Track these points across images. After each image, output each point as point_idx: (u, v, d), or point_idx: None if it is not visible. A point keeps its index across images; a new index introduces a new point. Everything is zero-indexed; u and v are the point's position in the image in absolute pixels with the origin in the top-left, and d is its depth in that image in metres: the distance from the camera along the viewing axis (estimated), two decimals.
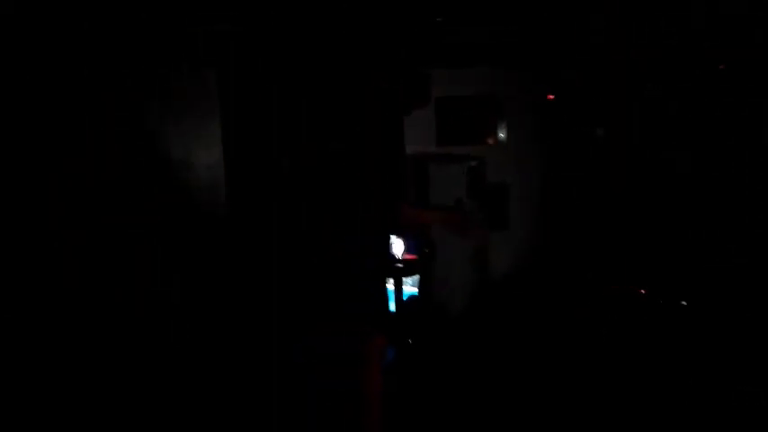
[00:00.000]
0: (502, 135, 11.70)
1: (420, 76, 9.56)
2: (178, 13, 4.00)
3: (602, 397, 6.11)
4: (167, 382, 4.09)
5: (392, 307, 7.18)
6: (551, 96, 11.97)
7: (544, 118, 11.73)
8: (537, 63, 11.18)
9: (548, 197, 11.92)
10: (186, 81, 4.00)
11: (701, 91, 11.21)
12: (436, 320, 8.00)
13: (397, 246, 7.44)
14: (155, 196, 3.94)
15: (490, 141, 11.74)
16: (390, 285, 7.19)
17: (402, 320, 6.98)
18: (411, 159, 9.97)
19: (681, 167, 12.09)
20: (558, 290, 10.68)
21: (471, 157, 10.50)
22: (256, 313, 4.52)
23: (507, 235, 11.67)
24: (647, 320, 8.24)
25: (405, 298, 7.54)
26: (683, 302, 9.13)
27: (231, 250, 4.45)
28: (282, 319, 4.73)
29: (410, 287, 7.93)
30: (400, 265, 7.33)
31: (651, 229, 12.09)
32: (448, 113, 11.33)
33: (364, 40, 6.70)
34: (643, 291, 10.78)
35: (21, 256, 3.57)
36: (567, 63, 11.50)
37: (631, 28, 9.83)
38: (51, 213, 3.60)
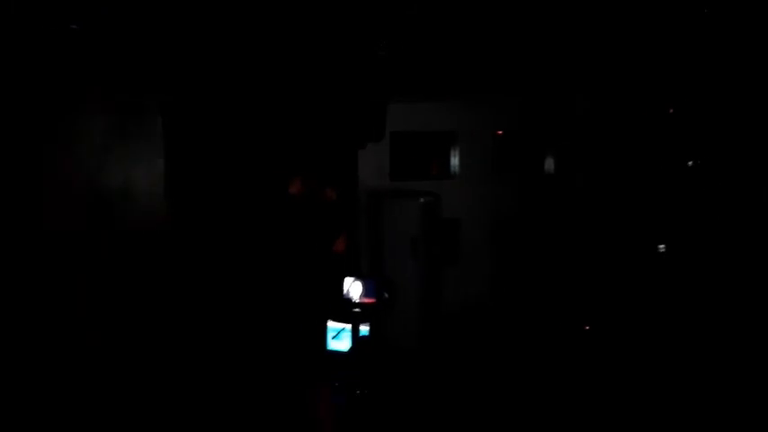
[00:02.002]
0: (455, 170, 11.74)
1: (375, 111, 9.51)
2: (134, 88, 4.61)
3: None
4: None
5: (348, 349, 6.89)
6: (500, 132, 12.16)
7: (497, 153, 11.86)
8: (494, 97, 11.34)
9: (500, 232, 12.00)
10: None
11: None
12: (389, 363, 7.76)
13: (355, 289, 7.11)
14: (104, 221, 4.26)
15: (444, 176, 11.77)
16: (346, 328, 6.90)
17: (355, 365, 6.68)
18: (365, 194, 9.83)
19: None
20: (512, 325, 10.70)
21: (425, 192, 10.44)
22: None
23: (460, 270, 11.64)
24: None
25: (359, 338, 7.28)
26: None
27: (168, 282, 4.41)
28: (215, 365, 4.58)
29: (363, 327, 7.62)
30: (357, 309, 6.98)
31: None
32: (402, 148, 11.29)
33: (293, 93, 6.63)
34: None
35: None
36: (522, 97, 11.75)
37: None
38: None
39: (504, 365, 8.55)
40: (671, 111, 11.87)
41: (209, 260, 4.84)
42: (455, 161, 11.79)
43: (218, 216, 4.94)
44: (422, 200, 9.94)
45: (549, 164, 12.24)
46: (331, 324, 6.79)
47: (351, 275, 7.21)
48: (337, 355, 6.76)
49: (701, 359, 8.70)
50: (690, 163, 13.21)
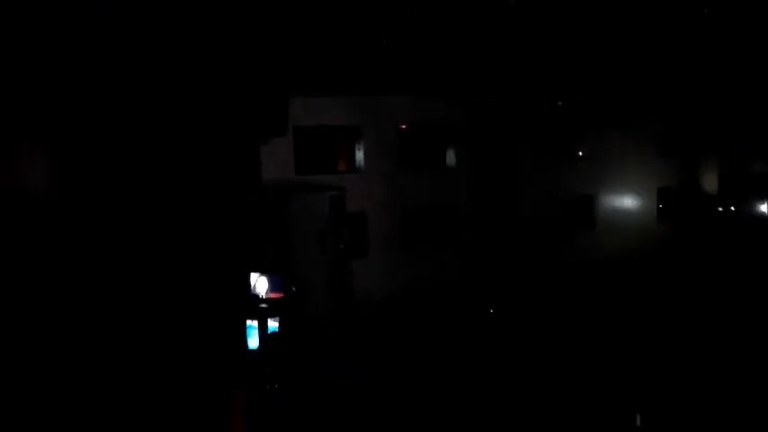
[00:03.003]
0: (361, 164, 11.88)
1: (276, 104, 9.42)
2: None
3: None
4: None
5: (255, 346, 6.79)
6: (404, 126, 12.43)
7: (401, 148, 12.12)
8: (397, 94, 11.56)
9: (406, 225, 12.30)
10: None
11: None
12: (298, 357, 7.72)
13: (261, 284, 6.99)
14: None
15: (350, 170, 11.87)
16: (254, 324, 6.80)
17: (264, 361, 6.58)
18: (271, 188, 9.72)
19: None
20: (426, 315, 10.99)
21: (331, 186, 10.49)
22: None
23: (368, 262, 11.80)
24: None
25: (267, 334, 7.19)
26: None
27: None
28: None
29: (272, 322, 7.53)
30: (264, 305, 6.86)
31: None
32: (307, 143, 11.27)
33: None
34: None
35: None
36: (429, 92, 12.06)
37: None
38: None
39: (418, 358, 8.72)
40: (559, 105, 12.68)
41: (109, 259, 4.61)
42: (360, 155, 11.93)
43: (121, 216, 4.72)
44: (328, 194, 9.97)
45: (451, 157, 12.68)
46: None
47: (256, 271, 7.13)
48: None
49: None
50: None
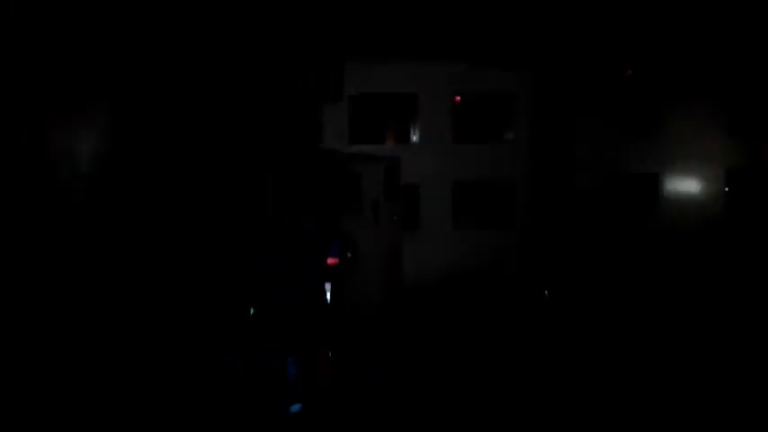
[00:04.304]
0: (416, 134, 11.60)
1: (333, 71, 9.21)
2: None
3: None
4: None
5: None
6: (458, 98, 12.05)
7: (457, 118, 11.76)
8: (459, 60, 11.14)
9: (460, 199, 11.98)
10: None
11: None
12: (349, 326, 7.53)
13: None
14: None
15: (404, 140, 11.61)
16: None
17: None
18: (325, 158, 9.56)
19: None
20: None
21: (386, 157, 10.26)
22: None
23: (418, 236, 11.57)
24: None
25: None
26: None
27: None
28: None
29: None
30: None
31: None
32: (362, 112, 11.05)
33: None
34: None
35: None
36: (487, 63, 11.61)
37: None
38: None
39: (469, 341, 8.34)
40: (629, 74, 11.95)
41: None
42: (415, 125, 11.64)
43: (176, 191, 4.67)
44: (383, 164, 9.74)
45: (509, 130, 12.24)
46: None
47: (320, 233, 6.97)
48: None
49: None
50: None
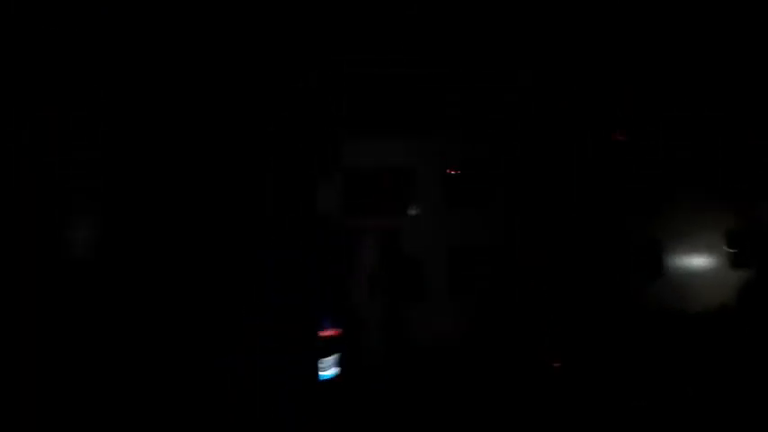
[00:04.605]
0: (414, 208, 11.64)
1: (331, 145, 9.38)
2: None
3: None
4: None
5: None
6: (453, 170, 12.17)
7: (453, 188, 11.82)
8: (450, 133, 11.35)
9: (459, 268, 11.84)
10: None
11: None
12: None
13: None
14: None
15: (400, 211, 11.63)
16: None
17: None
18: (322, 229, 9.56)
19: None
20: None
21: (383, 228, 10.28)
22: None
23: (420, 306, 11.36)
24: None
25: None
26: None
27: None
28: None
29: (324, 369, 6.75)
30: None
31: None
32: (359, 184, 11.17)
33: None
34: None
35: None
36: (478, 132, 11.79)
37: None
38: None
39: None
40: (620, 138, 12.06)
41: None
42: (412, 196, 11.71)
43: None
44: (377, 235, 9.76)
45: (504, 196, 12.27)
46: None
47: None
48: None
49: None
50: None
